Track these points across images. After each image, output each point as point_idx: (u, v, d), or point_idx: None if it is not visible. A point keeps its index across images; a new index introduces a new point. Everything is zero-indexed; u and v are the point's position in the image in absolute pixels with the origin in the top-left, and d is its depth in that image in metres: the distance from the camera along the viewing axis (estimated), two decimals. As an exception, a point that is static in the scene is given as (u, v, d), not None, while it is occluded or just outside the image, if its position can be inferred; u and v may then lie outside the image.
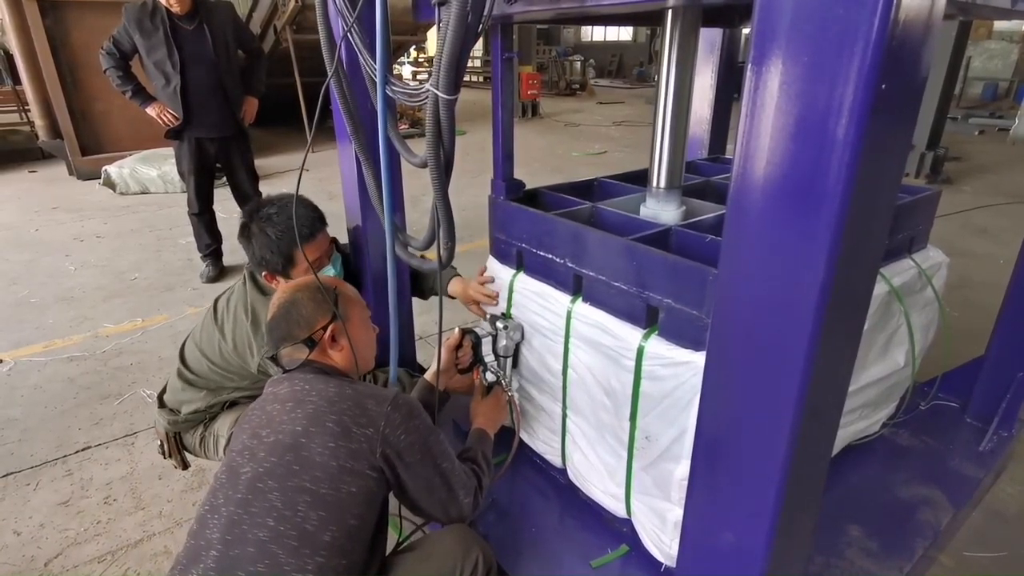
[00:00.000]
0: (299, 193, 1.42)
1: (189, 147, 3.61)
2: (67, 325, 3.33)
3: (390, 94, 1.21)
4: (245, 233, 1.64)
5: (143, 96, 3.50)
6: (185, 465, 1.93)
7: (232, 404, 1.81)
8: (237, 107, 3.68)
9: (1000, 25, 12.96)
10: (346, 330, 1.30)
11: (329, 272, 1.72)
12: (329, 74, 1.26)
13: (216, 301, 1.80)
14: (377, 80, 1.18)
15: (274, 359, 1.29)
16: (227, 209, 4.20)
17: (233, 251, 4.12)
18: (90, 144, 6.63)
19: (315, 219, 1.69)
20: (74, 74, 6.23)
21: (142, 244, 4.62)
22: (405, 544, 1.47)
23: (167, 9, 3.31)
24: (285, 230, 1.58)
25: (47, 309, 3.53)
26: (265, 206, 1.65)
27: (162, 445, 1.88)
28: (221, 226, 3.95)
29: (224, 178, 3.93)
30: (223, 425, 1.79)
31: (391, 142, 1.26)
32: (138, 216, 5.33)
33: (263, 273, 1.68)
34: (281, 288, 1.36)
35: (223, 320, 1.73)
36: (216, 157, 3.75)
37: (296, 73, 7.28)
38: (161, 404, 1.84)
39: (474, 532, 1.33)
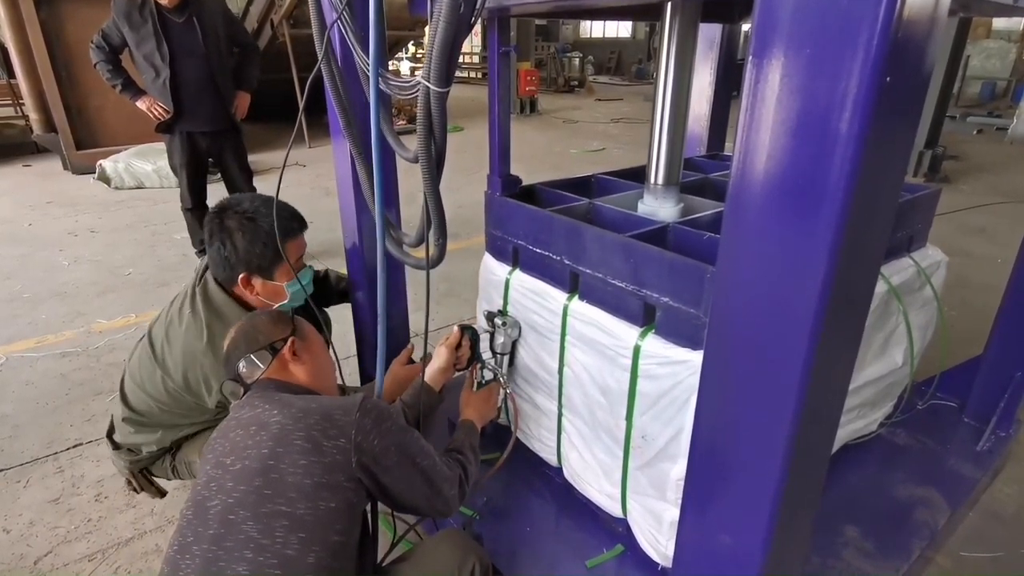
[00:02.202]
0: (281, 195, 1.41)
1: (180, 141, 3.58)
2: (60, 320, 3.30)
3: (382, 87, 1.19)
4: (223, 230, 1.50)
5: (133, 89, 3.48)
6: (161, 493, 1.81)
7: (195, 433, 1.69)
8: (229, 102, 3.66)
9: (999, 24, 12.97)
10: (308, 348, 1.31)
11: (306, 276, 1.67)
12: (319, 61, 1.24)
13: (150, 330, 1.62)
14: (370, 73, 1.16)
15: (237, 380, 1.26)
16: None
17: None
18: (85, 138, 6.59)
19: (300, 218, 1.63)
20: (69, 68, 6.19)
21: (137, 239, 4.59)
22: (398, 542, 1.45)
23: (156, 2, 3.30)
24: (276, 222, 1.48)
25: (40, 304, 3.50)
26: (242, 203, 1.55)
27: (130, 483, 1.75)
28: None
29: (218, 174, 3.90)
30: (190, 451, 1.68)
31: (383, 137, 1.24)
32: (133, 211, 5.29)
33: (240, 276, 1.53)
34: (238, 322, 1.33)
35: (163, 354, 1.54)
36: (209, 152, 3.72)
37: (293, 68, 7.24)
38: (115, 446, 1.69)
39: (469, 538, 1.31)
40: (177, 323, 1.56)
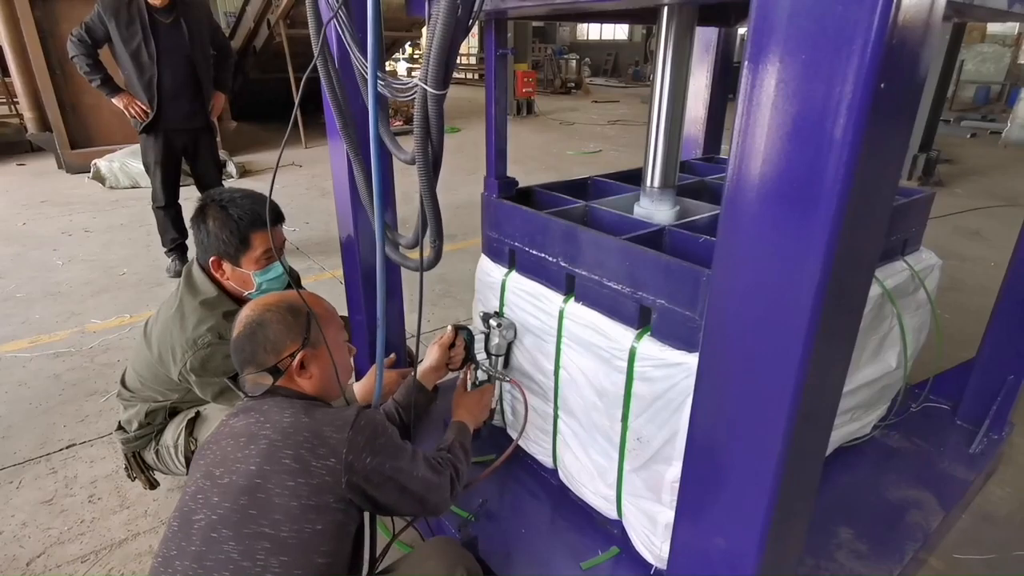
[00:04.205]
0: (278, 195, 1.40)
1: (157, 139, 3.60)
2: (54, 320, 3.28)
3: (381, 90, 1.19)
4: (202, 214, 1.62)
5: (111, 86, 3.47)
6: (152, 485, 1.91)
7: (174, 412, 1.80)
8: (208, 101, 3.71)
9: (993, 28, 13.05)
10: (318, 356, 1.21)
11: (277, 270, 1.68)
12: (314, 60, 1.23)
13: (148, 320, 1.79)
14: (368, 77, 1.15)
15: (235, 381, 1.21)
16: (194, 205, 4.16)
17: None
18: (79, 137, 6.55)
19: (277, 212, 1.68)
20: (63, 66, 6.16)
21: (131, 239, 4.57)
22: (392, 542, 1.44)
23: (146, 1, 3.31)
24: (248, 213, 1.61)
25: (34, 304, 3.48)
26: (226, 192, 1.66)
27: (127, 468, 1.89)
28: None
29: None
30: (169, 435, 1.78)
31: (382, 141, 1.23)
32: (128, 210, 5.26)
33: (211, 259, 1.63)
34: (250, 305, 1.23)
35: (151, 330, 1.71)
36: (184, 150, 3.76)
37: (289, 68, 7.23)
38: (118, 426, 1.85)
39: (458, 545, 1.30)
40: (164, 305, 1.71)
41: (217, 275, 1.66)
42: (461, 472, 1.32)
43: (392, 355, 1.87)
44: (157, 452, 1.81)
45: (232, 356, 1.21)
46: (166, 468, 1.84)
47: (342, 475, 1.05)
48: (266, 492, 1.02)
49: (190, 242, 3.91)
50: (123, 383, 1.82)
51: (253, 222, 1.61)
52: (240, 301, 1.68)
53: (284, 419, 1.08)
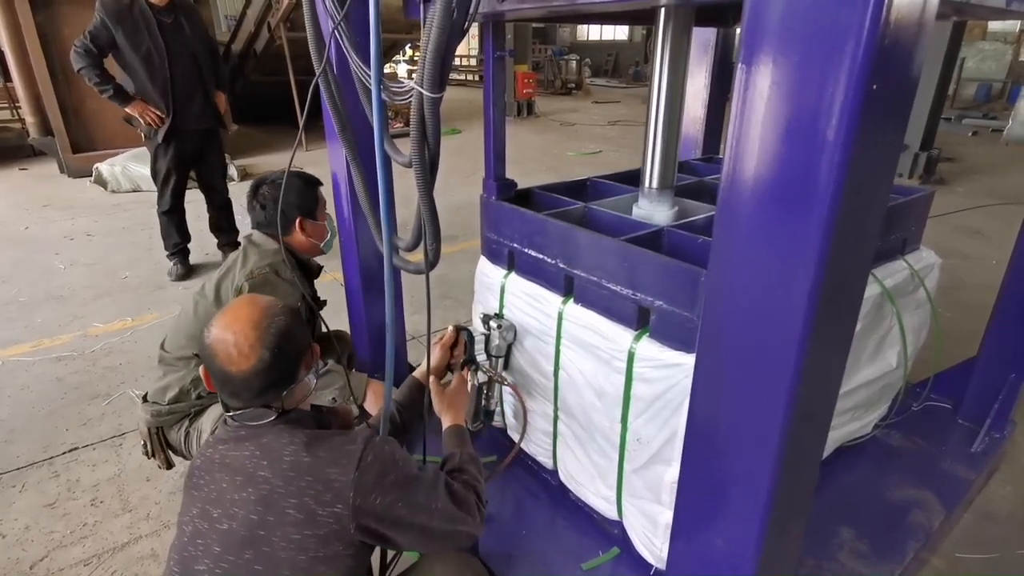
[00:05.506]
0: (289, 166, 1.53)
1: (170, 146, 3.55)
2: (56, 324, 3.29)
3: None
4: (271, 194, 1.82)
5: (123, 96, 3.40)
6: (169, 464, 1.91)
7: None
8: (213, 99, 3.70)
9: (994, 26, 13.02)
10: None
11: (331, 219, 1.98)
12: (317, 72, 1.24)
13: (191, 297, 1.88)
14: (372, 86, 1.15)
15: (267, 405, 1.06)
16: (197, 209, 4.16)
17: (201, 247, 4.12)
18: (81, 141, 6.57)
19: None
20: (65, 71, 6.16)
21: (133, 242, 4.58)
22: (401, 552, 1.43)
23: (146, 2, 3.28)
24: (311, 177, 1.92)
25: (36, 308, 3.49)
26: (269, 176, 1.88)
27: (145, 444, 1.87)
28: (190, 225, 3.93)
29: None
30: (207, 420, 1.78)
31: (387, 155, 1.23)
32: (129, 214, 5.28)
33: (297, 219, 1.84)
34: (240, 331, 1.04)
35: (204, 287, 1.84)
36: (193, 151, 3.71)
37: (290, 71, 7.24)
38: (145, 399, 1.85)
39: (465, 553, 1.28)
40: (221, 267, 1.86)
41: (300, 234, 1.85)
42: (481, 491, 1.24)
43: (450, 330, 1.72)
44: (187, 433, 1.80)
45: (251, 385, 1.03)
46: (188, 452, 1.83)
47: (350, 521, 0.99)
48: (270, 545, 0.97)
49: (192, 245, 3.97)
50: (162, 347, 1.87)
51: (317, 183, 1.92)
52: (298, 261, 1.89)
53: (284, 458, 1.00)
